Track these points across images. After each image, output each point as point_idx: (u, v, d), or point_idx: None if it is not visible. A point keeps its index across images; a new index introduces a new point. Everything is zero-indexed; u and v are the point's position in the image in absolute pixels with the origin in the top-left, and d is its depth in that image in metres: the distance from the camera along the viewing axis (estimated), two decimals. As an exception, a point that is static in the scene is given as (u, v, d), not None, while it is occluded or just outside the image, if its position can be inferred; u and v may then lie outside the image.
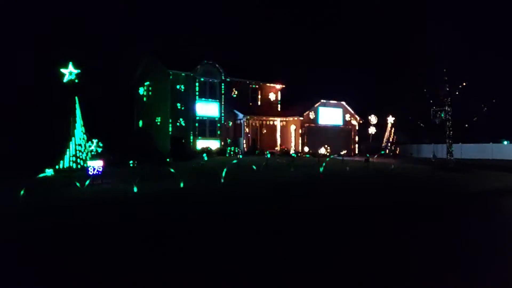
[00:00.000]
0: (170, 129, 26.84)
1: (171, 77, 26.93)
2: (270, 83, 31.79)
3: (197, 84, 27.90)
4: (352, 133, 33.36)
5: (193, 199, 11.34)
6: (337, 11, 69.98)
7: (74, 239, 6.86)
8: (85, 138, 19.72)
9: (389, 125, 35.50)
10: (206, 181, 14.71)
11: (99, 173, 14.84)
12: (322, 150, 28.80)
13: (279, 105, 32.21)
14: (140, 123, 30.93)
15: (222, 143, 28.55)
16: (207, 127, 28.42)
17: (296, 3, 71.11)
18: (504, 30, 27.85)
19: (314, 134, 30.94)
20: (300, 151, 29.14)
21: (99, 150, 18.99)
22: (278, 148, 29.96)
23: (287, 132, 31.25)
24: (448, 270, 5.09)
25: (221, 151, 27.27)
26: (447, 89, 23.65)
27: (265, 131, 30.51)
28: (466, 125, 23.43)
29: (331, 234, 7.05)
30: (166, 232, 7.33)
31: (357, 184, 14.57)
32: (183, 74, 27.40)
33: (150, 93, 30.12)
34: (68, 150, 18.64)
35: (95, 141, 21.71)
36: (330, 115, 32.04)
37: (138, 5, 55.29)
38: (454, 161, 23.48)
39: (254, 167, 16.11)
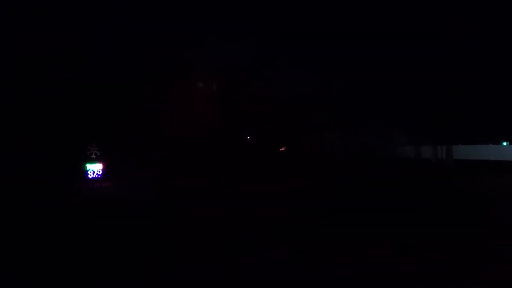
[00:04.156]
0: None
1: (168, 79, 26.97)
2: (269, 84, 31.82)
3: (195, 86, 27.91)
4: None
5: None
6: (335, 12, 70.01)
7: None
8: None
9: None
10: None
11: (99, 176, 14.85)
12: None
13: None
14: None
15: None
16: (207, 129, 28.44)
17: (295, 4, 71.19)
18: (503, 30, 27.86)
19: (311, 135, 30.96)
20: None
21: (98, 153, 19.00)
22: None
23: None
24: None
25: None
26: (445, 89, 23.69)
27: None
28: (465, 126, 23.49)
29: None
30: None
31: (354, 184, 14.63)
32: (180, 76, 27.41)
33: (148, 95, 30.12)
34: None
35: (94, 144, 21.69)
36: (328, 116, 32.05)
37: (135, 9, 55.27)
38: (454, 162, 23.50)
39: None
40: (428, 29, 23.85)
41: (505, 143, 32.37)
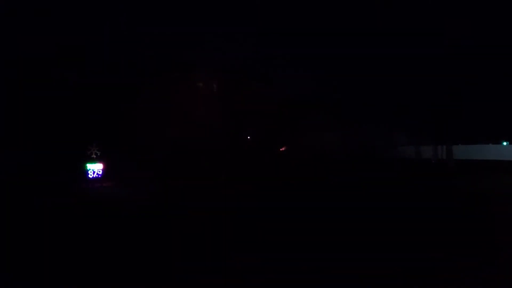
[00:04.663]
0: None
1: (168, 79, 26.98)
2: (270, 84, 31.85)
3: (195, 86, 27.92)
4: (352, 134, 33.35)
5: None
6: (334, 12, 69.96)
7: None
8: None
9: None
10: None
11: (99, 176, 14.86)
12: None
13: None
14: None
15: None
16: (207, 129, 28.44)
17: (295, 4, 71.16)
18: (504, 29, 27.87)
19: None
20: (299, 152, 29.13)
21: (99, 153, 19.02)
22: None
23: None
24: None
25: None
26: (446, 89, 23.70)
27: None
28: (466, 126, 23.50)
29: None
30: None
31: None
32: (180, 76, 27.43)
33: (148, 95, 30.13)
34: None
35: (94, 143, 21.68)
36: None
37: (136, 7, 55.23)
38: (454, 162, 23.50)
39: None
40: (428, 29, 23.85)
41: (505, 143, 32.36)
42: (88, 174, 14.77)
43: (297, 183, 15.44)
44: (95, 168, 14.99)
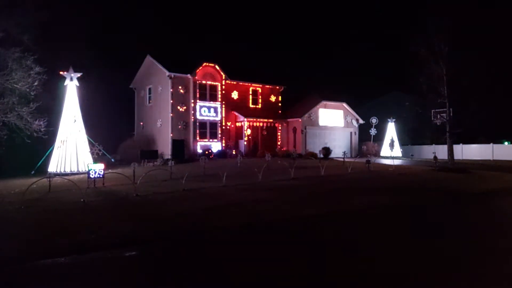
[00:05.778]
0: (171, 131, 26.82)
1: (171, 79, 26.94)
2: (270, 85, 31.78)
3: (197, 86, 27.89)
4: (353, 134, 33.35)
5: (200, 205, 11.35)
6: (336, 12, 70.13)
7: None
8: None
9: (390, 126, 35.61)
10: (208, 184, 14.73)
11: (101, 176, 14.85)
12: (322, 152, 28.69)
13: (279, 106, 32.20)
14: (141, 125, 30.94)
15: (223, 145, 28.57)
16: (208, 129, 28.40)
17: (296, 4, 71.29)
18: (505, 29, 27.85)
19: (314, 135, 30.99)
20: (300, 152, 29.08)
21: (100, 153, 19.01)
22: (278, 150, 29.92)
23: (288, 134, 31.26)
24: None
25: (221, 153, 27.28)
26: (446, 90, 23.70)
27: (265, 132, 30.48)
28: (467, 126, 23.49)
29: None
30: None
31: (358, 185, 14.61)
32: (183, 76, 27.41)
33: (150, 95, 30.16)
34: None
35: (96, 144, 21.74)
36: (331, 116, 32.03)
37: (139, 6, 55.38)
38: (454, 161, 23.52)
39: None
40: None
41: (506, 143, 32.31)
42: (90, 174, 14.76)
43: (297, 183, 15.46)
44: (96, 168, 14.97)
